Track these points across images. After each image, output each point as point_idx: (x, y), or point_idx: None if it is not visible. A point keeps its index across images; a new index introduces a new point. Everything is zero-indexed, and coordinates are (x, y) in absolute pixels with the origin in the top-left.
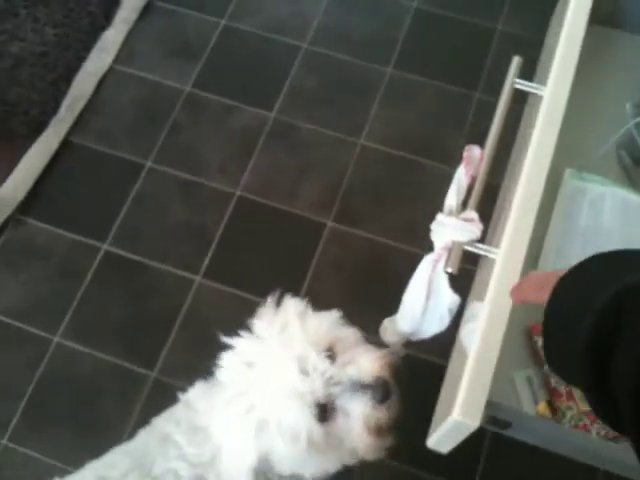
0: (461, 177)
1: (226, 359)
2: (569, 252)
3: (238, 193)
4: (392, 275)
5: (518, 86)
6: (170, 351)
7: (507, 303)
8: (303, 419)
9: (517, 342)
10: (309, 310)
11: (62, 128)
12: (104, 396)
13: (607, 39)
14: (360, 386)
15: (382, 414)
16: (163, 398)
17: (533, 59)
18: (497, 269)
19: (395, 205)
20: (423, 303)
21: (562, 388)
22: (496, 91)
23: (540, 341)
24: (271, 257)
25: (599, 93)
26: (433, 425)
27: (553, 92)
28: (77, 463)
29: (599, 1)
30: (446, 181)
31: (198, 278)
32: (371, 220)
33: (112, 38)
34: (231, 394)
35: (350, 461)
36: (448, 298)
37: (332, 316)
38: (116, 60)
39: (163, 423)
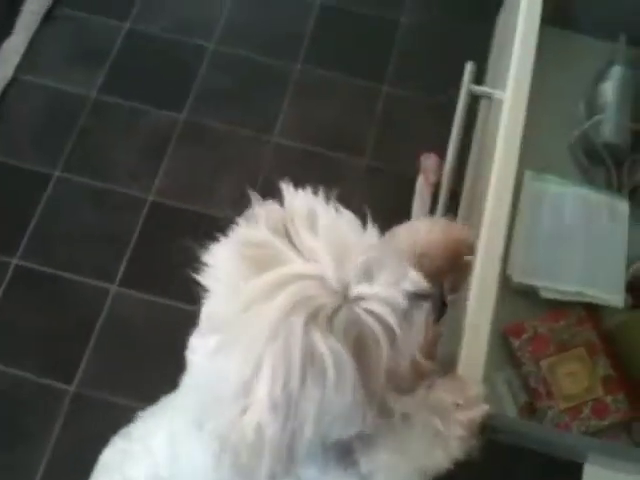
0: (422, 188)
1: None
2: (535, 255)
3: (151, 198)
4: None
5: (475, 91)
6: (89, 363)
7: (488, 311)
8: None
9: (493, 344)
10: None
11: None
12: (23, 414)
13: (556, 39)
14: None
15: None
16: (85, 412)
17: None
18: (476, 277)
19: None
20: None
21: (541, 387)
22: (402, 84)
23: (516, 342)
24: (190, 261)
25: (552, 93)
26: None
27: (514, 95)
28: None
29: (547, 2)
30: (362, 172)
31: (114, 287)
32: None
33: (14, 47)
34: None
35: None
36: None
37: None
38: (18, 69)
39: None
